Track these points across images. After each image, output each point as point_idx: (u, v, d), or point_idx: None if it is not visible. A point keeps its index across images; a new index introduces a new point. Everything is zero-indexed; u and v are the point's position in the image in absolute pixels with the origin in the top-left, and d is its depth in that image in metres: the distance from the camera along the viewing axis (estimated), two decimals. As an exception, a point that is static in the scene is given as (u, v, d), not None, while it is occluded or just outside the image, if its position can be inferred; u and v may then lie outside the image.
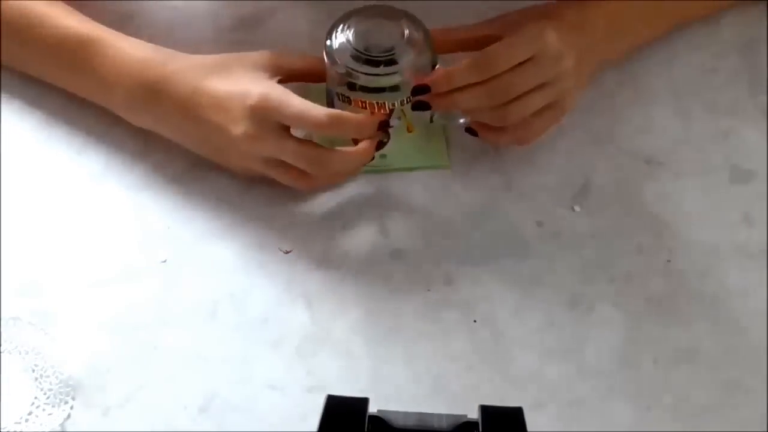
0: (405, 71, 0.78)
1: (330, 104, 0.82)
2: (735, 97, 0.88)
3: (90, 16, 0.87)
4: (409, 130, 0.82)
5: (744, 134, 0.86)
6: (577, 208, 0.83)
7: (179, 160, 0.85)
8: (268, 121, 0.76)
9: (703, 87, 0.89)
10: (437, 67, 0.80)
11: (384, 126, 0.79)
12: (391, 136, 0.82)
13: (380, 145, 0.79)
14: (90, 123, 0.87)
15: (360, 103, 0.79)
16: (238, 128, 0.77)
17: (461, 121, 0.84)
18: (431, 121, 0.85)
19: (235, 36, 0.93)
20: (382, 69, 0.78)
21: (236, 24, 0.94)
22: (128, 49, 0.82)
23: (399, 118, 0.81)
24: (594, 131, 0.87)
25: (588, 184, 0.84)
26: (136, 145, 0.86)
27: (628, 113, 0.88)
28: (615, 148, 0.86)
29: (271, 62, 0.80)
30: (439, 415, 0.65)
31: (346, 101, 0.80)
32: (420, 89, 0.78)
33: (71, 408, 0.73)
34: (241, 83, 0.78)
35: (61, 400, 0.73)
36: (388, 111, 0.80)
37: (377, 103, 0.79)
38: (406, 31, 0.80)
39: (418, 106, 0.79)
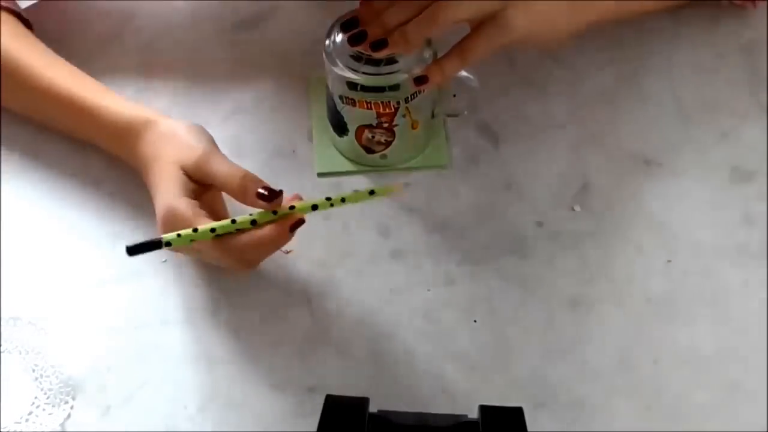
0: (405, 69, 0.78)
1: (330, 104, 0.82)
2: (735, 97, 0.88)
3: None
4: (413, 127, 0.82)
5: (744, 134, 0.86)
6: (577, 208, 0.83)
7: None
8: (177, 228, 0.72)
9: (703, 87, 0.89)
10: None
11: (294, 228, 0.72)
12: (396, 135, 0.82)
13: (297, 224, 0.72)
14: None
15: (365, 104, 0.79)
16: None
17: (464, 113, 0.84)
18: (432, 116, 0.85)
19: (235, 36, 0.94)
20: (382, 68, 0.78)
21: (236, 24, 0.94)
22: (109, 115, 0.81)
23: (404, 116, 0.81)
24: (594, 131, 0.87)
25: (588, 184, 0.84)
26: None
27: (628, 113, 0.88)
28: (615, 148, 0.86)
29: (196, 167, 0.75)
30: (439, 415, 0.65)
31: (349, 102, 0.80)
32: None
33: (71, 408, 0.73)
34: (162, 188, 0.75)
35: (61, 400, 0.74)
36: (393, 109, 0.80)
37: (381, 102, 0.79)
38: None
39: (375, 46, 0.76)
